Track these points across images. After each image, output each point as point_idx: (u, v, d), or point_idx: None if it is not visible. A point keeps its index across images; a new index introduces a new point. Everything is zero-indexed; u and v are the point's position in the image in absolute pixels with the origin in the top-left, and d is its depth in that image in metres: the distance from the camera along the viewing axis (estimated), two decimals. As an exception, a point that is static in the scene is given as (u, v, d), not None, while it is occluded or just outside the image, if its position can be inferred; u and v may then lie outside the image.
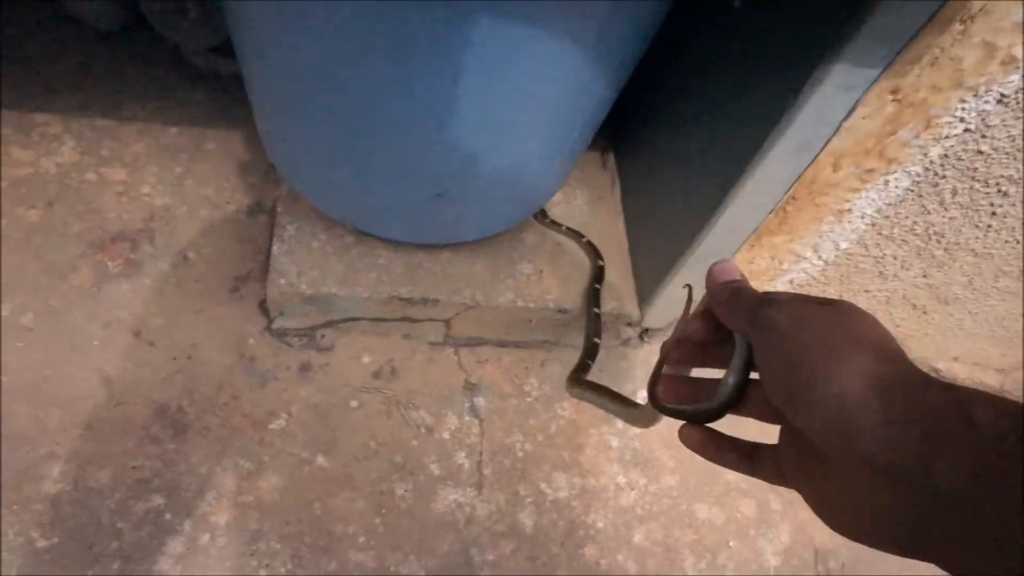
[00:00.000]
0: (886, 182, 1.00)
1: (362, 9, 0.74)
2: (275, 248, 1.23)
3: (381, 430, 1.25)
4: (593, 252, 1.31)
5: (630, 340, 1.42)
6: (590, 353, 1.19)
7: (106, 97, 1.47)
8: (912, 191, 1.03)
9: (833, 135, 0.90)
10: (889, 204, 1.05)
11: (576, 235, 1.33)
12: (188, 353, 1.25)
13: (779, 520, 1.32)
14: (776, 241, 1.13)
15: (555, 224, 1.34)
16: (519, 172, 1.04)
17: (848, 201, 1.04)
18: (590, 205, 1.40)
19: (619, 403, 0.77)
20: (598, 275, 1.28)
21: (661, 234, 1.25)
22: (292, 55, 0.86)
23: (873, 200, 1.04)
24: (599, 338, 1.23)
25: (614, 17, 0.81)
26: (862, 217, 1.08)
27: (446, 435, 1.27)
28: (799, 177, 0.98)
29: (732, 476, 1.34)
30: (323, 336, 1.31)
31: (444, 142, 0.93)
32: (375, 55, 0.80)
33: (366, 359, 1.31)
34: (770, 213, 1.04)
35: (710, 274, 0.49)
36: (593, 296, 1.26)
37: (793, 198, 1.03)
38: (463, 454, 1.26)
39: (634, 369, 1.42)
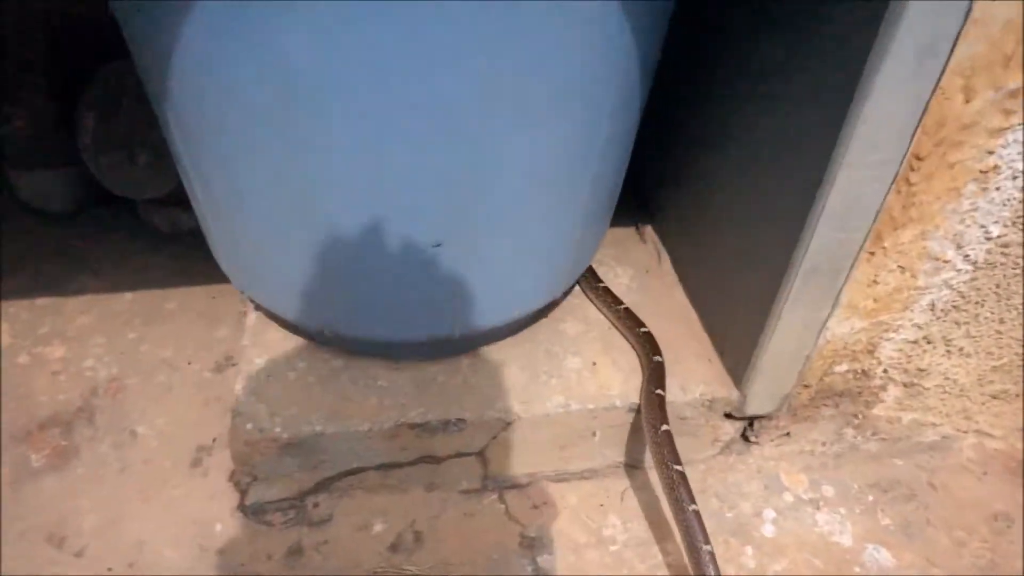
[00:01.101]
0: (1039, 110, 0.73)
1: None
2: (239, 388, 0.92)
3: (410, 627, 0.84)
4: (650, 345, 0.98)
5: (732, 444, 1.05)
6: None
7: (51, 276, 1.26)
8: (1075, 120, 0.75)
9: (960, 30, 0.64)
10: (1047, 148, 0.76)
11: (631, 319, 1.02)
12: (129, 558, 0.89)
13: (1037, 674, 0.85)
14: (903, 239, 0.82)
15: (608, 295, 1.05)
16: (539, 198, 0.77)
17: (992, 153, 0.76)
18: (637, 282, 1.11)
19: None
20: (654, 374, 0.94)
21: (741, 286, 0.94)
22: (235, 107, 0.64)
23: (1024, 145, 0.76)
24: (667, 424, 0.87)
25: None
26: (1014, 177, 0.79)
27: (506, 619, 0.86)
28: (922, 117, 0.70)
29: (938, 615, 0.89)
30: (316, 505, 0.95)
31: (439, 153, 0.68)
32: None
33: (379, 527, 0.94)
34: (890, 187, 0.75)
35: None
36: (653, 403, 0.91)
37: (917, 158, 0.74)
38: (536, 645, 0.84)
39: (745, 485, 1.03)
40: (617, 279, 1.11)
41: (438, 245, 0.75)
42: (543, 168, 0.74)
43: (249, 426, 0.88)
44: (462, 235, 0.75)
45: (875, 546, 0.96)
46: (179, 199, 1.29)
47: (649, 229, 1.20)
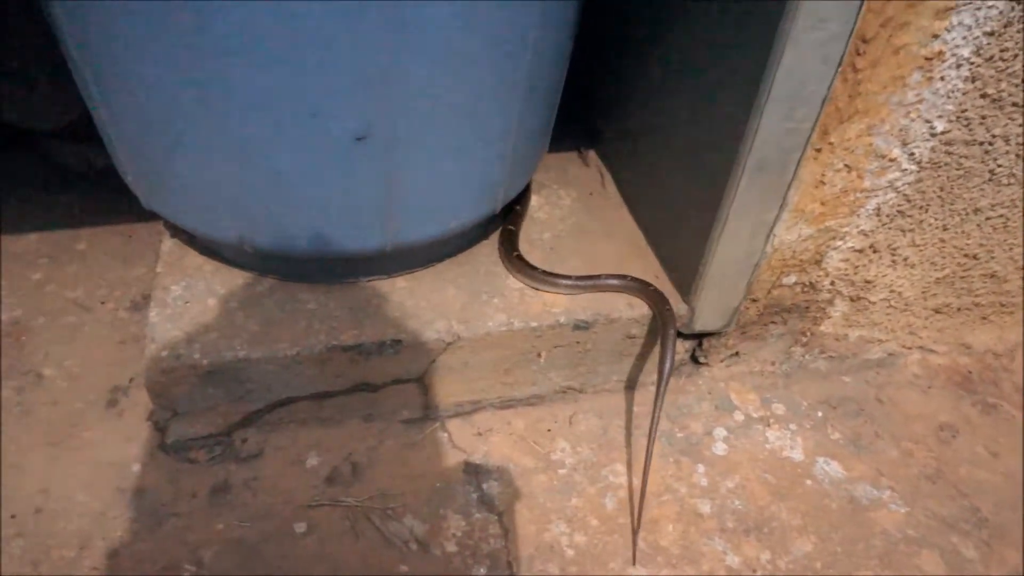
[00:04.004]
0: (983, -10, 0.71)
1: None
2: (153, 314, 0.85)
3: (348, 559, 0.79)
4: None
5: (682, 367, 1.02)
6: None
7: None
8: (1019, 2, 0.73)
9: None
10: (990, 33, 0.75)
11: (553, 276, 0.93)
12: (35, 504, 0.81)
13: (983, 570, 0.85)
14: (850, 134, 0.80)
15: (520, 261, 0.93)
16: (466, 90, 0.72)
17: (937, 37, 0.74)
18: (581, 203, 1.07)
19: None
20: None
21: (686, 195, 0.91)
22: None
23: (969, 29, 0.74)
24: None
25: None
26: (958, 66, 0.77)
27: (451, 546, 0.81)
28: (866, -5, 0.67)
29: (887, 522, 0.89)
30: (244, 440, 0.89)
31: (355, 23, 0.62)
32: None
33: (313, 460, 0.88)
34: (836, 70, 0.72)
35: None
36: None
37: (863, 40, 0.72)
38: (483, 570, 0.80)
39: (695, 406, 1.00)
40: (560, 201, 1.07)
41: (362, 138, 0.69)
42: (468, 51, 0.69)
43: (165, 353, 0.80)
44: (386, 127, 0.69)
45: (825, 459, 0.95)
46: (89, 135, 1.19)
47: (592, 153, 1.16)
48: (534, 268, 0.92)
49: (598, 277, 0.92)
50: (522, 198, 1.01)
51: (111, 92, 0.72)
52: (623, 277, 0.92)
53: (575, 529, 0.84)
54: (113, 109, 0.74)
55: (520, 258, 0.93)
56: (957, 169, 0.88)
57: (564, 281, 0.91)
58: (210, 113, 0.67)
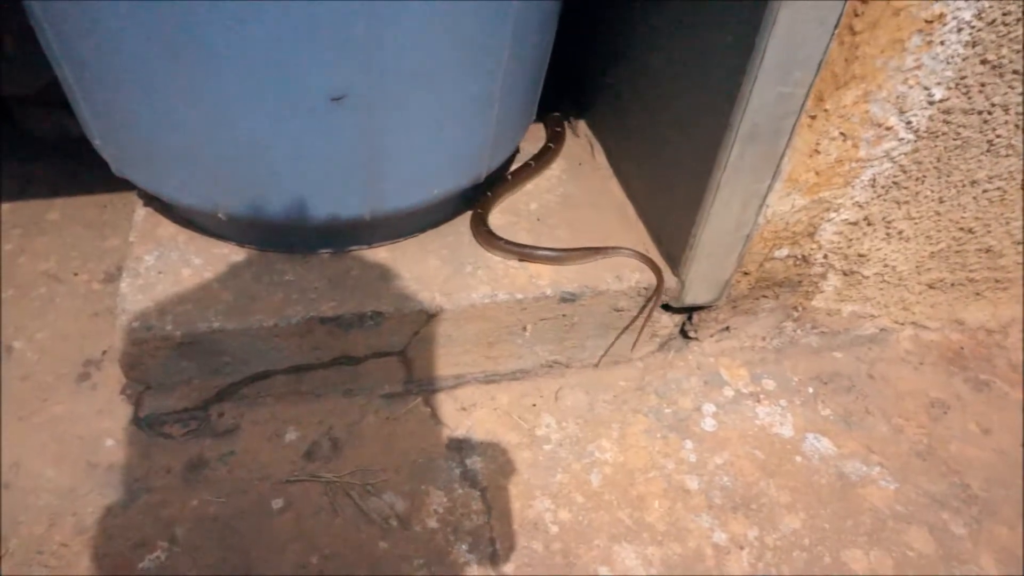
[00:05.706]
0: (986, -52, 0.68)
1: None
2: (124, 285, 0.82)
3: (326, 536, 0.77)
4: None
5: (671, 341, 1.00)
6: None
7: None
8: (1023, -38, 0.70)
9: None
10: (993, -4, 0.72)
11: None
12: (4, 480, 0.79)
13: (972, 547, 0.84)
14: (846, 100, 0.77)
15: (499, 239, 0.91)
16: (449, 50, 0.68)
17: (938, -2, 0.71)
18: (569, 173, 1.04)
19: None
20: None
21: (676, 165, 0.88)
22: None
23: (971, -9, 0.71)
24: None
25: None
26: (959, 29, 0.74)
27: (432, 523, 0.80)
28: (867, -50, 0.64)
29: (877, 498, 0.88)
30: (220, 415, 0.87)
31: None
32: None
33: (291, 435, 0.86)
34: (833, 32, 0.69)
35: None
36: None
37: (861, 1, 0.69)
38: (464, 547, 0.78)
39: (685, 381, 0.98)
40: (549, 171, 1.04)
41: (339, 99, 0.66)
42: (450, 7, 0.65)
43: (136, 324, 0.78)
44: (364, 87, 0.66)
45: (816, 435, 0.94)
46: (63, 101, 1.15)
47: (582, 124, 1.13)
48: (489, 230, 0.90)
49: (544, 248, 0.90)
50: (510, 170, 0.98)
51: (74, 45, 0.69)
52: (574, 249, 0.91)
53: (560, 505, 0.83)
54: (77, 64, 0.71)
55: (479, 218, 0.92)
56: (955, 139, 0.85)
57: (506, 245, 0.89)
58: (179, 70, 0.64)
